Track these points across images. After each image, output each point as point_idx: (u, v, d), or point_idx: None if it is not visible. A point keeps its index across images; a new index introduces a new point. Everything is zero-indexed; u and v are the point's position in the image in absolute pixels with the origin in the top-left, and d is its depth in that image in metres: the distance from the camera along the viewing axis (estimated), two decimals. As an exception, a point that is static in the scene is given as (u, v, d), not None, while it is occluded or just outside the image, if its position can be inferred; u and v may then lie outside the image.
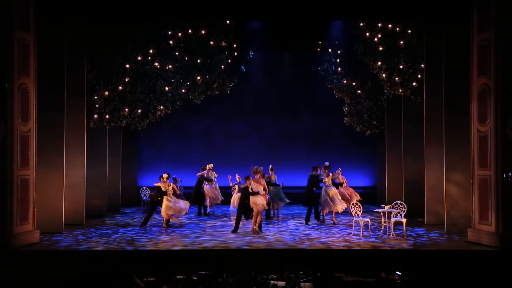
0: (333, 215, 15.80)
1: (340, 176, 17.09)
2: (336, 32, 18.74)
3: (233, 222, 14.87)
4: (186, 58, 16.99)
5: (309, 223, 15.55)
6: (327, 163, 16.04)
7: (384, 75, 16.32)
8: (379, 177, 20.64)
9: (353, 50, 17.11)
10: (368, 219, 13.73)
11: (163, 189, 15.27)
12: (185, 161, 18.98)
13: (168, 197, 15.14)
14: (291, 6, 13.78)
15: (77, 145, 15.38)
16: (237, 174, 18.43)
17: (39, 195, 13.07)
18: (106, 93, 16.39)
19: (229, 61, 17.64)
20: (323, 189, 15.70)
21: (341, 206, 15.59)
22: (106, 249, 12.11)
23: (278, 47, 20.37)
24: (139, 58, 16.47)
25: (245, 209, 14.54)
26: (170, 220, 15.32)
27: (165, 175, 15.56)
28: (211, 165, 18.06)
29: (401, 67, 15.99)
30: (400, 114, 17.63)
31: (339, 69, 18.62)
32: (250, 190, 14.07)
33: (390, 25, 15.97)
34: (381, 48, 16.21)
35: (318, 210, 15.98)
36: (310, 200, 15.92)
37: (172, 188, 15.83)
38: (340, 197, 15.85)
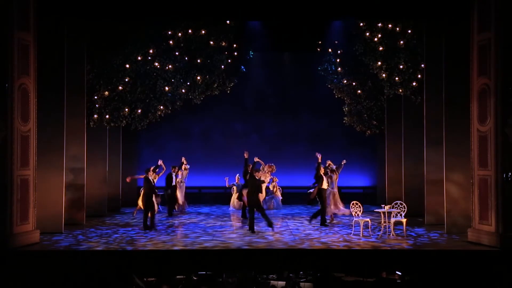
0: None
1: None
2: (336, 32, 18.73)
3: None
4: (186, 58, 16.98)
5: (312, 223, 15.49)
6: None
7: (384, 75, 16.31)
8: (379, 177, 20.61)
9: (353, 50, 17.09)
10: (368, 219, 13.72)
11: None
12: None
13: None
14: (291, 6, 13.76)
15: (77, 145, 15.37)
16: (237, 175, 18.41)
17: (39, 195, 13.05)
18: (106, 93, 16.39)
19: (229, 61, 17.62)
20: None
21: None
22: (106, 249, 12.10)
23: (278, 47, 20.41)
24: (139, 58, 16.45)
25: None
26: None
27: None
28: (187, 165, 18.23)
29: (401, 67, 15.98)
30: (400, 114, 17.62)
31: (339, 69, 18.60)
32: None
33: (390, 25, 15.96)
34: (381, 48, 16.19)
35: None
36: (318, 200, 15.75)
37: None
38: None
